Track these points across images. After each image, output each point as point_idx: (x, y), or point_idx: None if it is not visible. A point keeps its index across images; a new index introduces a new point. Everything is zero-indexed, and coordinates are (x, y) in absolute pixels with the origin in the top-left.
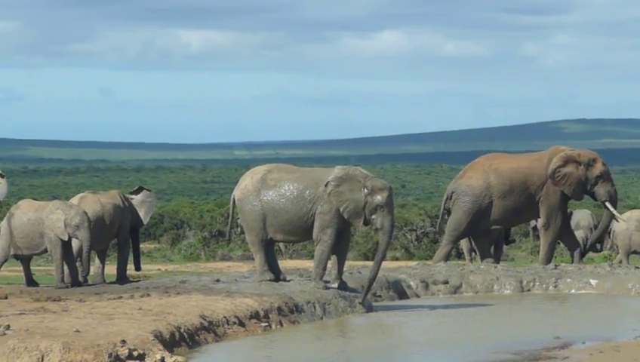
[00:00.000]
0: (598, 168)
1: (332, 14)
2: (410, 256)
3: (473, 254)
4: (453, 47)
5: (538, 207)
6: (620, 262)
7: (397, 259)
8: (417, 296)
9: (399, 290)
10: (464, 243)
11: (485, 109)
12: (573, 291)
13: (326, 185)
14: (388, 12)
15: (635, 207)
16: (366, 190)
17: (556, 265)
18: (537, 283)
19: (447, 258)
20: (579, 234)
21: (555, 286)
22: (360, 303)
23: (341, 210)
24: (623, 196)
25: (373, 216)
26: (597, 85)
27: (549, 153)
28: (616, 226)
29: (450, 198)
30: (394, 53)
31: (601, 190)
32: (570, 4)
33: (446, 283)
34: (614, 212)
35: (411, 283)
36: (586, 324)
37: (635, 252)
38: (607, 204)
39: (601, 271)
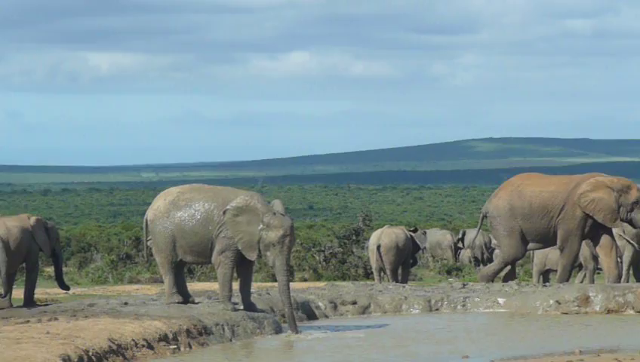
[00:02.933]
0: (633, 195)
1: (241, 36)
2: (318, 277)
3: (382, 274)
4: (363, 67)
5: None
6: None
7: (305, 279)
8: (326, 316)
9: (308, 311)
10: (373, 263)
11: (394, 129)
12: (481, 310)
13: (224, 213)
14: (297, 33)
15: None
16: (262, 225)
17: (464, 284)
18: (446, 303)
19: (493, 276)
20: (467, 254)
21: (464, 306)
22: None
23: (235, 240)
24: None
25: (267, 253)
26: (505, 104)
27: (580, 178)
28: None
29: (486, 217)
30: (303, 74)
31: (638, 216)
32: (478, 24)
33: (354, 303)
34: None
35: (320, 303)
36: (494, 343)
37: (549, 270)
38: None
39: (509, 289)
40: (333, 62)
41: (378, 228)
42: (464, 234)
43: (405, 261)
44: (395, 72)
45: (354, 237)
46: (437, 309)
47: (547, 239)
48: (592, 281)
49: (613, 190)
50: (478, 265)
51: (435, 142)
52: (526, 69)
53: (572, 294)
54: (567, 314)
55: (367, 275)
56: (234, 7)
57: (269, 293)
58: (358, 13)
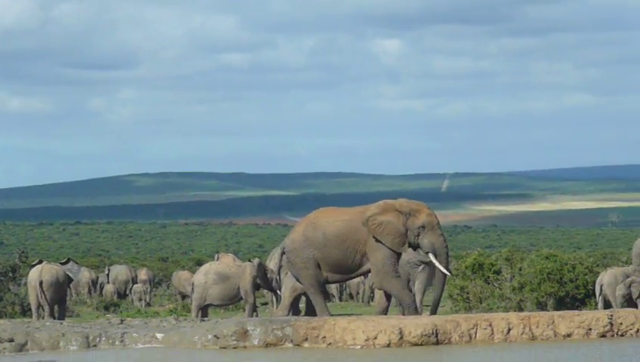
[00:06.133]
0: (421, 218)
1: None
2: None
3: (41, 310)
4: (19, 103)
5: (360, 260)
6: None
7: None
8: None
9: None
10: (33, 300)
11: (50, 165)
12: (140, 345)
13: None
14: None
15: (199, 261)
16: None
17: (122, 320)
18: (104, 339)
19: (327, 309)
20: (109, 289)
21: (122, 341)
22: None
23: None
24: (187, 249)
25: None
26: (162, 139)
27: (373, 205)
28: (196, 279)
29: (284, 253)
30: None
31: (424, 241)
32: (136, 59)
33: (11, 341)
34: (438, 264)
35: None
36: None
37: (210, 305)
38: (431, 256)
39: (167, 324)
40: None
41: (34, 265)
42: (109, 269)
43: (62, 297)
44: (52, 108)
45: (10, 274)
46: (95, 345)
47: (342, 270)
48: (251, 314)
49: (401, 213)
50: (142, 300)
51: (92, 177)
52: (183, 104)
53: (230, 329)
54: (225, 348)
55: (25, 312)
56: None
57: None
58: (13, 49)
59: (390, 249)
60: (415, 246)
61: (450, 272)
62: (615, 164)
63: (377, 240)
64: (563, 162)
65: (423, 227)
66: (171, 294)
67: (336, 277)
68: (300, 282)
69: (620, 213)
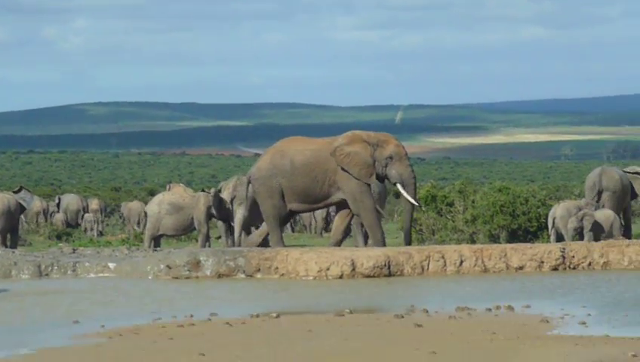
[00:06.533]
0: (388, 149)
1: None
2: None
3: None
4: None
5: (327, 190)
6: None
7: None
8: None
9: None
10: None
11: (5, 93)
12: (92, 275)
13: None
14: None
15: (152, 190)
16: None
17: (74, 249)
18: (56, 268)
19: (282, 241)
20: (59, 218)
21: (74, 271)
22: None
23: None
24: (140, 179)
25: None
26: (115, 68)
27: (341, 136)
28: (149, 209)
29: (250, 182)
30: None
31: (392, 171)
32: None
33: None
34: (405, 194)
35: None
36: (105, 307)
37: (163, 235)
38: (399, 186)
39: (120, 254)
40: None
41: None
42: (60, 199)
43: (14, 226)
44: (4, 36)
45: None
46: (47, 274)
47: (309, 199)
48: (204, 245)
49: (369, 144)
50: (92, 230)
51: (45, 106)
52: (136, 33)
53: (183, 259)
54: (178, 278)
55: None
56: None
57: None
58: None
59: (358, 179)
60: (383, 178)
61: (418, 202)
62: (569, 97)
63: (345, 171)
64: (517, 95)
65: (391, 158)
66: (124, 224)
67: (302, 206)
68: (261, 210)
69: (574, 146)
